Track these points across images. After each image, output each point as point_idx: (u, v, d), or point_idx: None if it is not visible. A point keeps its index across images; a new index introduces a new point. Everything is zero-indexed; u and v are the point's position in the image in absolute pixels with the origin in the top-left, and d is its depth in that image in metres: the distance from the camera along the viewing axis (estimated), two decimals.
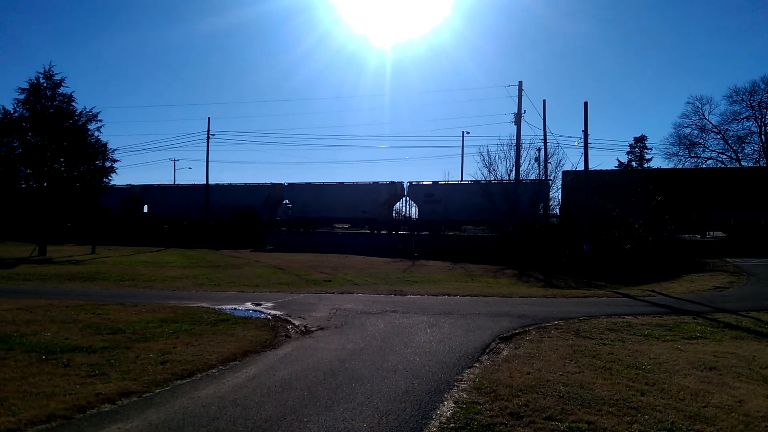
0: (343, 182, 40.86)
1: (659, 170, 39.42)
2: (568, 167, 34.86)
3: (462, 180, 42.37)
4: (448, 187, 37.95)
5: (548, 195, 34.28)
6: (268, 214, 42.98)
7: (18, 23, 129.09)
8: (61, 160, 33.81)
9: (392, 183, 39.17)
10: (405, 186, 39.41)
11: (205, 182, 45.12)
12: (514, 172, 33.19)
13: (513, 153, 33.51)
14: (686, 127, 50.31)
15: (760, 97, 46.92)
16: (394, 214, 41.62)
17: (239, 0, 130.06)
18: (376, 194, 38.89)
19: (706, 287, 18.11)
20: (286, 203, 45.17)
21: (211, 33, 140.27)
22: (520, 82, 33.47)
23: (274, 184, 43.53)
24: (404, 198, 40.52)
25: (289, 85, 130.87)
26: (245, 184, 44.72)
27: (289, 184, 43.12)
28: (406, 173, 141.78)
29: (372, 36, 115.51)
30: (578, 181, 32.19)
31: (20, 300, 13.49)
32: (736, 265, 23.40)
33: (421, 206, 38.58)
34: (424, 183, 38.49)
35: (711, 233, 33.29)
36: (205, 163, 46.32)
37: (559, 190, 34.11)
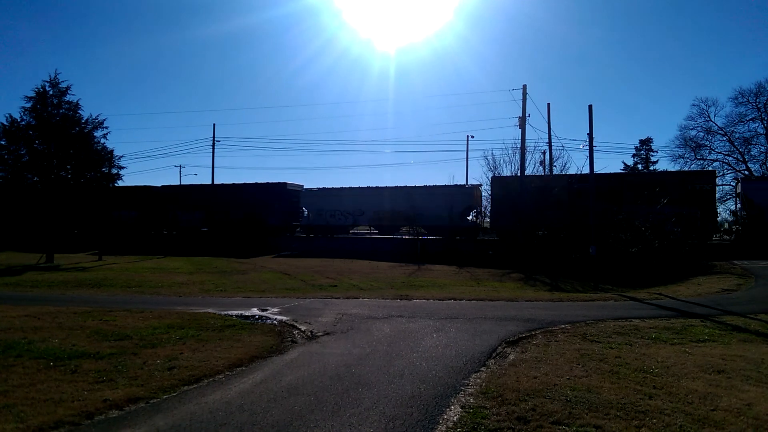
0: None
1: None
2: (573, 170, 34.80)
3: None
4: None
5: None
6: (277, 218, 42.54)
7: (24, 30, 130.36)
8: (68, 167, 34.05)
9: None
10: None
11: None
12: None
13: (518, 156, 33.47)
14: (692, 129, 50.00)
15: (766, 98, 46.56)
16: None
17: (244, 6, 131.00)
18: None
19: (714, 290, 17.99)
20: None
21: (216, 39, 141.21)
22: (524, 86, 33.49)
23: None
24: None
25: (294, 90, 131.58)
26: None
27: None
28: (411, 178, 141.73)
29: (376, 40, 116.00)
30: (505, 188, 33.56)
31: (28, 307, 13.57)
32: (743, 267, 23.27)
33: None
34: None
35: (717, 235, 33.12)
36: (210, 169, 46.66)
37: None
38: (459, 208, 35.74)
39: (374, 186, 39.29)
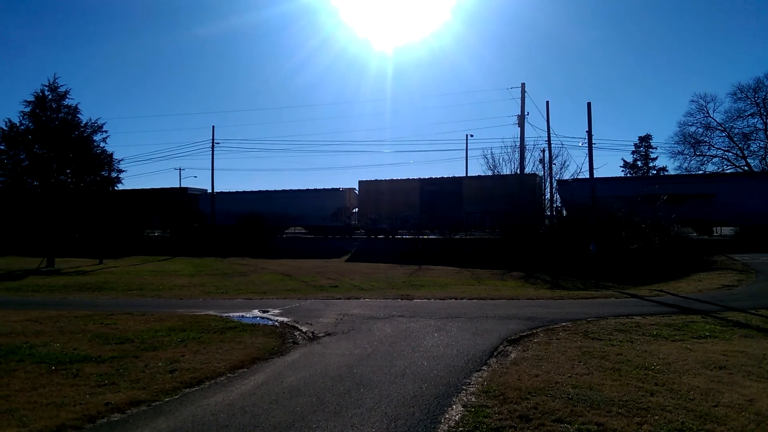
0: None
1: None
2: (573, 168, 35.31)
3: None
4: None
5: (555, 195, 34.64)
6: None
7: (22, 34, 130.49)
8: (68, 171, 34.07)
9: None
10: None
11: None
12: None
13: (517, 155, 33.60)
14: (691, 125, 49.99)
15: (764, 93, 46.60)
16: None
17: (241, 6, 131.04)
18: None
19: (715, 286, 17.99)
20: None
21: (213, 40, 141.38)
22: (523, 84, 33.59)
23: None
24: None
25: (291, 91, 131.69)
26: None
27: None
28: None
29: (374, 40, 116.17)
30: (369, 190, 38.54)
31: (29, 311, 13.57)
32: (744, 262, 23.23)
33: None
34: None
35: (718, 231, 33.17)
36: (210, 171, 47.12)
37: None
38: (331, 210, 39.76)
39: (264, 189, 43.68)
